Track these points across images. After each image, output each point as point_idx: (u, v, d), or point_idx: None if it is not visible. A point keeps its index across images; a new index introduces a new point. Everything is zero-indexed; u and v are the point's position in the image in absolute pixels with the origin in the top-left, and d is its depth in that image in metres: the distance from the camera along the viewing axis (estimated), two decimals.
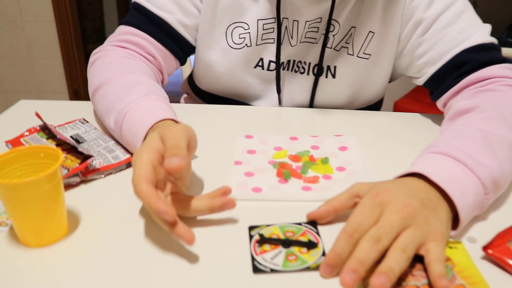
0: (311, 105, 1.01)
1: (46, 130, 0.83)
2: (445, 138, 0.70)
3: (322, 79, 0.98)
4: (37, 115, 0.83)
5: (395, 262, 0.52)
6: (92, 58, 0.95)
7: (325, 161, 0.77)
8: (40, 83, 2.99)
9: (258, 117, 0.96)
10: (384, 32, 0.93)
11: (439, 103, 0.91)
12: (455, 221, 0.62)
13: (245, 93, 1.03)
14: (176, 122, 0.73)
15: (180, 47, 0.99)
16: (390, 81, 1.04)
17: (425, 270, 0.54)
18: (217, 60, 0.99)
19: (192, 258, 0.58)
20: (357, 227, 0.55)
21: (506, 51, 1.27)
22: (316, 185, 0.72)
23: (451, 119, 0.80)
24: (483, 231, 0.63)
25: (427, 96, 0.98)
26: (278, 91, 1.00)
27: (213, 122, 0.93)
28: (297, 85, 1.00)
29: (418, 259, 0.56)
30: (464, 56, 0.86)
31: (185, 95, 1.23)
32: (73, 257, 0.58)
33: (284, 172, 0.73)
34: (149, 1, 0.94)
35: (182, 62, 1.03)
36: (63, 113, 0.93)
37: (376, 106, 1.08)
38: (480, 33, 0.86)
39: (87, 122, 0.88)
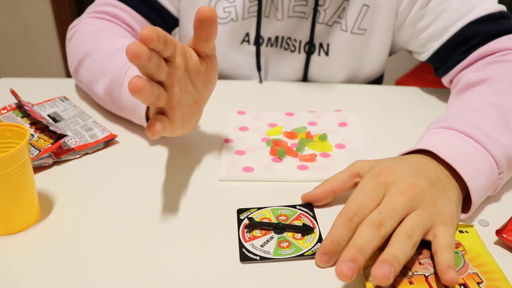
0: None
1: (22, 109, 0.77)
2: (455, 112, 0.64)
3: (314, 57, 0.91)
4: (13, 92, 0.77)
5: (400, 249, 0.46)
6: (69, 32, 0.89)
7: (323, 137, 0.71)
8: (36, 66, 2.92)
9: (251, 92, 0.90)
10: (380, 4, 0.85)
11: (445, 79, 0.84)
12: (466, 203, 0.56)
13: (232, 73, 0.96)
14: None
15: (163, 20, 0.92)
16: (390, 55, 0.98)
17: (432, 257, 0.48)
18: None
19: (174, 245, 0.52)
20: (357, 211, 0.49)
21: None
22: (313, 163, 0.66)
23: (460, 93, 0.74)
24: (496, 214, 0.57)
25: (430, 74, 0.91)
26: (259, 68, 0.93)
27: None
28: (288, 64, 0.93)
29: (425, 244, 0.50)
30: (471, 28, 0.78)
31: None
32: (44, 245, 0.52)
33: (278, 150, 0.67)
34: None
35: None
36: (46, 91, 0.87)
37: (375, 83, 1.01)
38: (487, 1, 0.79)
39: (67, 100, 0.82)
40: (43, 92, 0.86)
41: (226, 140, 0.72)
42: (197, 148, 0.70)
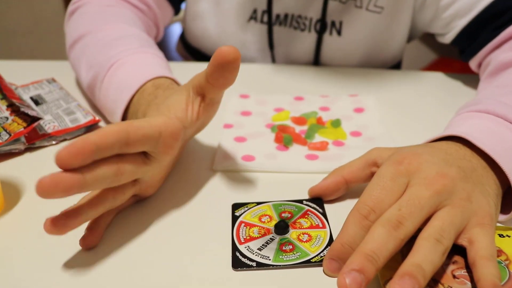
0: None
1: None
2: (489, 95, 0.55)
3: (326, 37, 0.82)
4: None
5: (426, 257, 0.36)
6: (70, 7, 0.79)
7: (336, 123, 0.62)
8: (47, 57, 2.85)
9: (256, 76, 0.80)
10: None
11: (473, 62, 0.74)
12: (505, 202, 0.46)
13: None
14: (175, 82, 0.59)
15: None
16: (409, 40, 0.88)
17: (468, 267, 0.39)
18: (206, 10, 0.84)
19: (155, 245, 0.43)
20: (373, 206, 0.40)
21: None
22: (324, 153, 0.57)
23: (492, 75, 0.65)
24: None
25: (451, 66, 0.81)
26: (271, 46, 0.84)
27: None
28: (298, 45, 0.84)
29: (458, 250, 0.41)
30: (502, 2, 0.69)
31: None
32: (6, 237, 0.45)
33: (284, 137, 0.58)
34: None
35: (177, 9, 0.88)
36: (39, 74, 0.78)
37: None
38: None
39: (55, 82, 0.74)
40: (36, 75, 0.77)
41: (225, 126, 0.63)
42: None
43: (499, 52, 0.68)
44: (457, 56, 0.83)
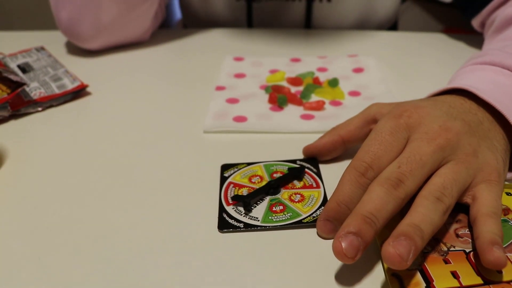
0: None
1: None
2: (495, 47, 0.51)
3: (316, 4, 0.78)
4: None
5: (425, 217, 0.33)
6: None
7: (333, 83, 0.58)
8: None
9: (249, 39, 0.77)
10: None
11: (476, 21, 0.69)
12: None
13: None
14: None
15: None
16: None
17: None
18: None
19: (140, 206, 0.41)
20: (371, 162, 0.37)
21: None
22: (321, 112, 0.54)
23: (498, 31, 0.60)
24: None
25: None
26: (249, 23, 0.81)
27: (194, 47, 0.75)
28: (288, 16, 0.80)
29: (463, 209, 0.38)
30: None
31: None
32: None
33: (278, 97, 0.55)
34: None
35: None
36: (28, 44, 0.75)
37: None
38: None
39: (44, 50, 0.71)
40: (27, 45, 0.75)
41: (217, 88, 0.60)
42: (182, 97, 0.59)
43: (504, 8, 0.63)
44: (463, 27, 0.79)
